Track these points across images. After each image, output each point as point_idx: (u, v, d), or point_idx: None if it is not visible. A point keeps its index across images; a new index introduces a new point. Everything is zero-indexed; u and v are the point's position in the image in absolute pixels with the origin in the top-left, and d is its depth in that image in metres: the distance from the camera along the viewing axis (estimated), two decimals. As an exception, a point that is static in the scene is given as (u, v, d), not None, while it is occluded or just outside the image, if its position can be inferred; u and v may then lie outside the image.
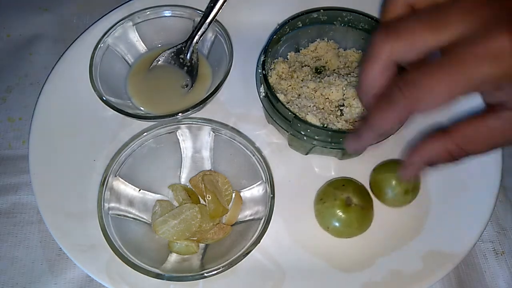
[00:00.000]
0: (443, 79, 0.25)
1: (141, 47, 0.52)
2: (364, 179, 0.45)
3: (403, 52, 0.27)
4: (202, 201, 0.44)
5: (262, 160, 0.41)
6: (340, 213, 0.40)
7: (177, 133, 0.43)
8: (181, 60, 0.50)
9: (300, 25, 0.47)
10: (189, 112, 0.44)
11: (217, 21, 0.49)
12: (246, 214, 0.42)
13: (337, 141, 0.41)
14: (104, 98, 0.45)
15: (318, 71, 0.47)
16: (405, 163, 0.32)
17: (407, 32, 0.26)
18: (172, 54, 0.51)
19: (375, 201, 0.43)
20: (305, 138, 0.41)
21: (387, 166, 0.44)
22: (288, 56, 0.48)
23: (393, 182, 0.42)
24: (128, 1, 0.55)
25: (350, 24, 0.47)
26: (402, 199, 0.43)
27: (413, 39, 0.26)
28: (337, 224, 0.41)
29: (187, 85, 0.50)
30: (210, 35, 0.50)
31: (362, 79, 0.29)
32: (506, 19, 0.24)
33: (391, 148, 0.46)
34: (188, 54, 0.50)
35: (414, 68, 0.26)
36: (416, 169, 0.31)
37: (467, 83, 0.25)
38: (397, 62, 0.28)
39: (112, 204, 0.39)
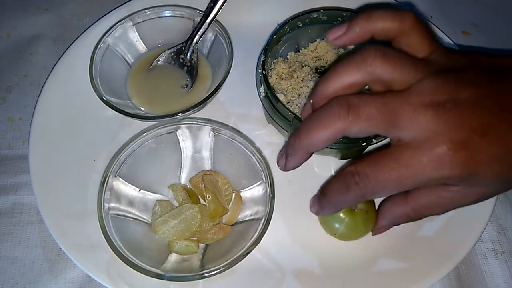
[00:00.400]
0: (392, 177, 0.29)
1: (141, 47, 0.52)
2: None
3: (355, 132, 0.30)
4: (202, 201, 0.44)
5: (262, 160, 0.41)
6: (345, 218, 0.40)
7: (177, 133, 0.43)
8: (181, 60, 0.50)
9: (300, 25, 0.47)
10: (189, 112, 0.44)
11: (217, 21, 0.49)
12: (246, 214, 0.42)
13: (337, 141, 0.41)
14: (104, 98, 0.45)
15: (318, 71, 0.47)
16: (377, 226, 0.39)
17: (366, 119, 0.29)
18: (172, 54, 0.51)
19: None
20: (305, 138, 0.41)
21: None
22: (288, 56, 0.48)
23: None
24: (128, 1, 0.55)
25: (350, 24, 0.47)
26: None
27: (368, 126, 0.30)
28: (343, 230, 0.40)
29: (187, 85, 0.50)
30: (210, 35, 0.50)
31: (306, 137, 0.32)
32: (446, 132, 0.28)
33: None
34: (188, 54, 0.50)
35: (368, 159, 0.31)
36: (386, 229, 0.39)
37: (413, 182, 0.29)
38: (343, 135, 0.31)
39: (112, 204, 0.39)
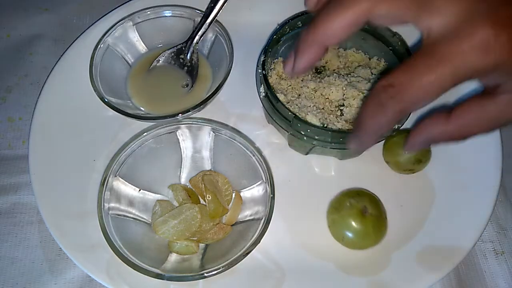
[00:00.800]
0: (431, 78, 0.25)
1: (141, 47, 0.52)
2: (366, 181, 0.45)
3: (380, 16, 0.26)
4: (202, 201, 0.44)
5: (262, 160, 0.41)
6: (356, 223, 0.39)
7: (177, 133, 0.43)
8: (181, 60, 0.50)
9: (300, 25, 0.47)
10: (189, 112, 0.44)
11: (217, 21, 0.49)
12: (246, 214, 0.42)
13: (337, 141, 0.41)
14: (105, 99, 0.45)
15: (318, 71, 0.47)
16: (409, 141, 0.32)
17: (395, 1, 0.26)
18: (172, 54, 0.50)
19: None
20: (305, 138, 0.41)
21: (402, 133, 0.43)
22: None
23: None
24: (128, 1, 0.55)
25: (350, 24, 0.47)
26: (414, 166, 0.43)
27: (396, 8, 0.26)
28: (352, 235, 0.40)
29: (187, 85, 0.50)
30: (210, 35, 0.50)
31: (324, 23, 0.27)
32: (487, 11, 0.24)
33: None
34: (188, 54, 0.50)
35: (399, 67, 0.26)
36: (419, 147, 0.32)
37: (454, 77, 0.25)
38: (366, 22, 0.27)
39: (112, 204, 0.39)
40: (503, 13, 0.24)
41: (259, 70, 0.44)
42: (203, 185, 0.42)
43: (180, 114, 0.44)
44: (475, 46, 0.24)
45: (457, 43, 0.24)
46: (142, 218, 0.42)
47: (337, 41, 0.28)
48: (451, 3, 0.25)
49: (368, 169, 0.46)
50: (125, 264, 0.36)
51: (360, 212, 0.40)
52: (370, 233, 0.39)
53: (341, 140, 0.41)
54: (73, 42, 0.52)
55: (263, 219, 0.38)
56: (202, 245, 0.41)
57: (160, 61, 0.50)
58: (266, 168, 0.40)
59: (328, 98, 0.44)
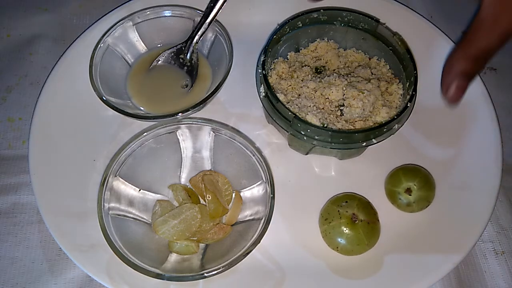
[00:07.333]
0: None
1: (141, 47, 0.52)
2: (365, 181, 0.45)
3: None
4: (202, 201, 0.44)
5: (262, 160, 0.41)
6: (348, 231, 0.39)
7: (177, 133, 0.43)
8: (181, 60, 0.50)
9: (300, 25, 0.47)
10: (189, 112, 0.44)
11: (217, 21, 0.49)
12: (246, 214, 0.42)
13: (337, 141, 0.41)
14: (104, 98, 0.45)
15: (318, 71, 0.47)
16: (443, 83, 0.37)
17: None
18: (172, 54, 0.50)
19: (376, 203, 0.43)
20: (305, 138, 0.41)
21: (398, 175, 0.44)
22: (288, 56, 0.48)
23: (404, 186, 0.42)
24: (128, 1, 0.55)
25: (350, 24, 0.47)
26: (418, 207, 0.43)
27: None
28: (345, 242, 0.40)
29: (187, 85, 0.50)
30: (210, 35, 0.50)
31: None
32: None
33: (389, 152, 0.46)
34: (188, 54, 0.50)
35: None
36: (460, 86, 0.37)
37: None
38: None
39: (112, 204, 0.39)
40: None
41: (259, 70, 0.44)
42: (203, 185, 0.42)
43: (180, 114, 0.44)
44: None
45: None
46: (142, 218, 0.42)
47: None
48: None
49: (367, 169, 0.46)
50: (125, 264, 0.36)
51: (350, 220, 0.40)
52: (362, 238, 0.39)
53: (341, 140, 0.41)
54: (73, 42, 0.52)
55: (263, 219, 0.38)
56: (202, 245, 0.41)
57: (160, 61, 0.50)
58: (266, 168, 0.40)
59: (328, 98, 0.44)
